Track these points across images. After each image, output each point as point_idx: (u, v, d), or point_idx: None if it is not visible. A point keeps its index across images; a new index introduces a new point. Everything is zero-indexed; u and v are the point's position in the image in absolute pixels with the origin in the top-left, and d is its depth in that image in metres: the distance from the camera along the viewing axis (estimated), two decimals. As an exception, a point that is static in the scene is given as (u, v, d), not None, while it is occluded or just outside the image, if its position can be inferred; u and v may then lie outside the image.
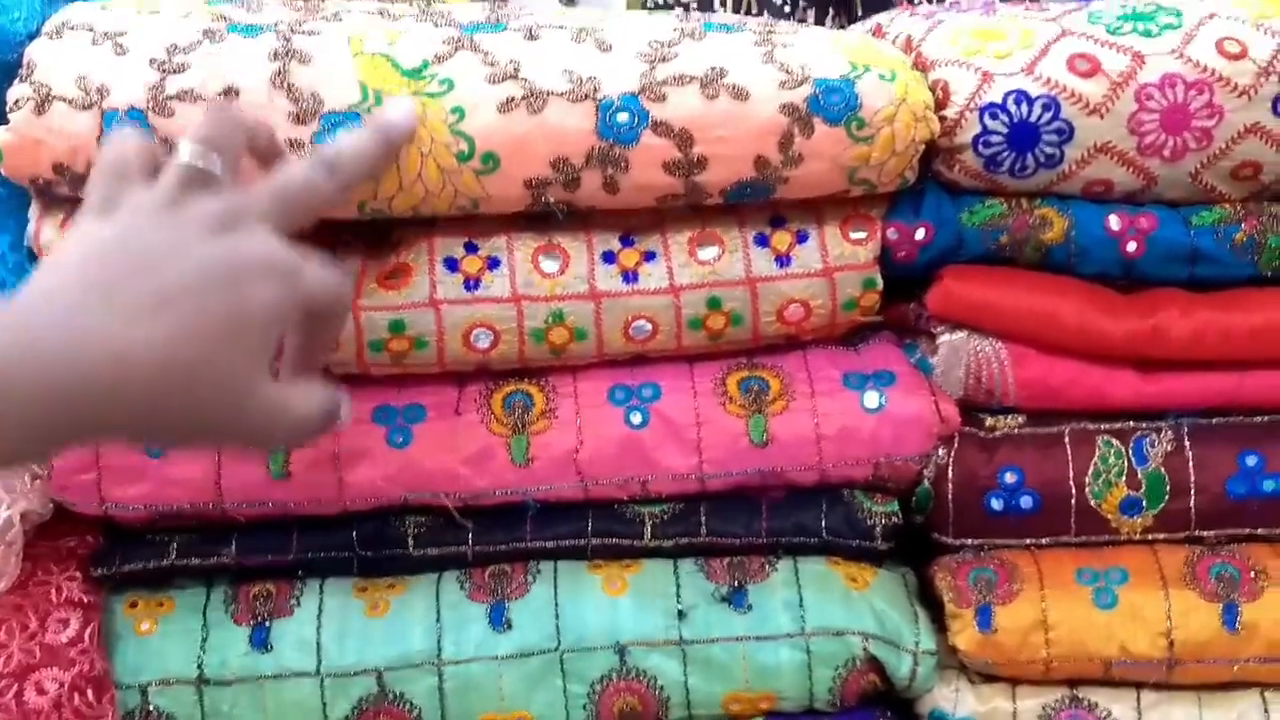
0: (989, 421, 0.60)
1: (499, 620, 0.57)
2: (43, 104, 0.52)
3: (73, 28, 0.54)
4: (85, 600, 0.56)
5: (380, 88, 0.52)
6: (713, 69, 0.54)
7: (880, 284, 0.58)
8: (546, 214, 0.55)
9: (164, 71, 0.52)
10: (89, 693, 0.54)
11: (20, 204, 0.56)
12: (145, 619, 0.57)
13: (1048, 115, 0.55)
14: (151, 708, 0.56)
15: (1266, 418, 0.60)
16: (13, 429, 0.38)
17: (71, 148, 0.52)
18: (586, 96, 0.53)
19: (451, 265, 0.56)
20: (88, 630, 0.55)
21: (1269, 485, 0.59)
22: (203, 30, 0.53)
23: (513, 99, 0.53)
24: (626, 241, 0.57)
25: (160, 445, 0.54)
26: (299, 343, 0.48)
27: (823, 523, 0.59)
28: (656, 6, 0.76)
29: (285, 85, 0.52)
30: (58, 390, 0.38)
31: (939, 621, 0.59)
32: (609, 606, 0.57)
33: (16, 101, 0.52)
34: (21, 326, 0.39)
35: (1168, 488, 0.59)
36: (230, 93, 0.52)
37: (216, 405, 0.42)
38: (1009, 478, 0.58)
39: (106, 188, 0.44)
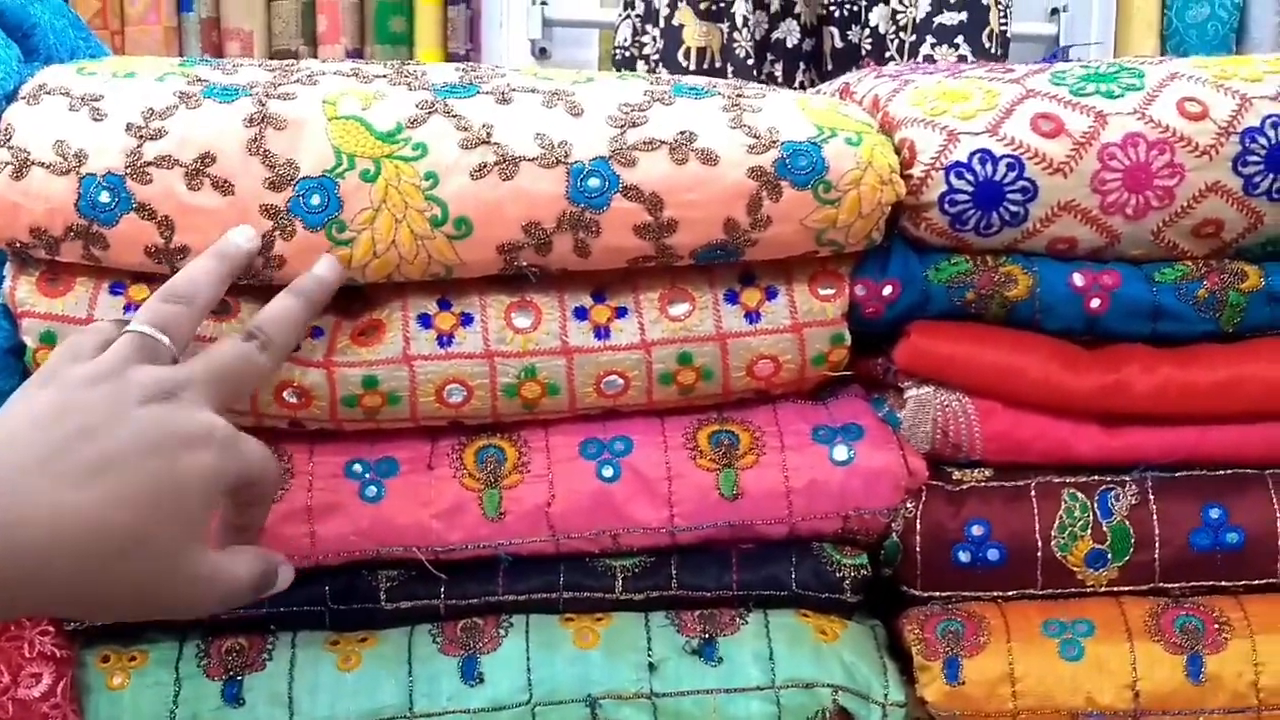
0: (956, 475, 0.60)
1: (471, 673, 0.57)
2: (21, 169, 0.52)
3: (50, 92, 0.54)
4: (58, 655, 0.56)
5: (354, 152, 0.53)
6: (682, 133, 0.54)
7: (848, 339, 0.59)
8: (519, 275, 0.56)
9: (141, 137, 0.53)
10: (60, 748, 0.54)
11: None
12: (117, 673, 0.57)
13: (1012, 174, 0.56)
14: (123, 762, 0.56)
15: (1229, 471, 0.60)
16: None
17: (49, 210, 0.52)
18: (558, 162, 0.53)
19: (425, 321, 0.56)
20: (60, 685, 0.55)
21: (1232, 538, 0.59)
22: (178, 94, 0.54)
23: (485, 165, 0.53)
24: (598, 298, 0.57)
25: (93, 617, 0.53)
26: (231, 516, 0.48)
27: (792, 576, 0.59)
28: (626, 60, 0.77)
29: (261, 152, 0.52)
30: None
31: (908, 673, 0.60)
32: (580, 659, 0.57)
33: None
34: None
35: (1132, 540, 0.59)
36: (207, 159, 0.52)
37: (150, 572, 0.42)
38: (976, 530, 0.59)
39: (56, 361, 0.45)
